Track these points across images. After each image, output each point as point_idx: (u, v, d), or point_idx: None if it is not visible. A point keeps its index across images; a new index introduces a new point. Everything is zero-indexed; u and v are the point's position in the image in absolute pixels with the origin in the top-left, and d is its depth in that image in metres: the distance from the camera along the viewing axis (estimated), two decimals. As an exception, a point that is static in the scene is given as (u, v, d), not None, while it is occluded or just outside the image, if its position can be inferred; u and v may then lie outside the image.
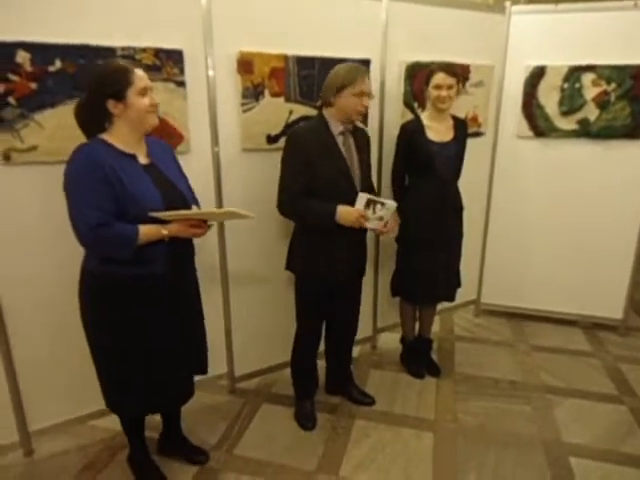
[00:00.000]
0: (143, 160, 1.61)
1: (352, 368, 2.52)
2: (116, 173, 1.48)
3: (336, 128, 1.98)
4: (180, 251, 1.67)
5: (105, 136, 1.55)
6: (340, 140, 2.00)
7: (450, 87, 2.25)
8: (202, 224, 1.65)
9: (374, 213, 1.97)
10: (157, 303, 1.63)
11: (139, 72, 1.53)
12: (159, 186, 1.58)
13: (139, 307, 1.61)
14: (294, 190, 1.94)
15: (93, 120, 1.56)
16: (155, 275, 1.60)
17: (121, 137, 1.56)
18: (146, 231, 1.52)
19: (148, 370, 1.68)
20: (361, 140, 2.10)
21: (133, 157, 1.57)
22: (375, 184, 2.60)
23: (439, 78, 2.24)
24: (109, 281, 1.57)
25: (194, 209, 1.71)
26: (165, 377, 1.73)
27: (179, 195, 1.64)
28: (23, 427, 2.03)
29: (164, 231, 1.55)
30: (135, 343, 1.64)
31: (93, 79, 1.53)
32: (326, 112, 1.99)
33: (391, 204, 1.99)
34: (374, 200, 1.96)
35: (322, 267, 2.05)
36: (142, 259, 1.55)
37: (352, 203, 1.95)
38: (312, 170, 1.92)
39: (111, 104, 1.50)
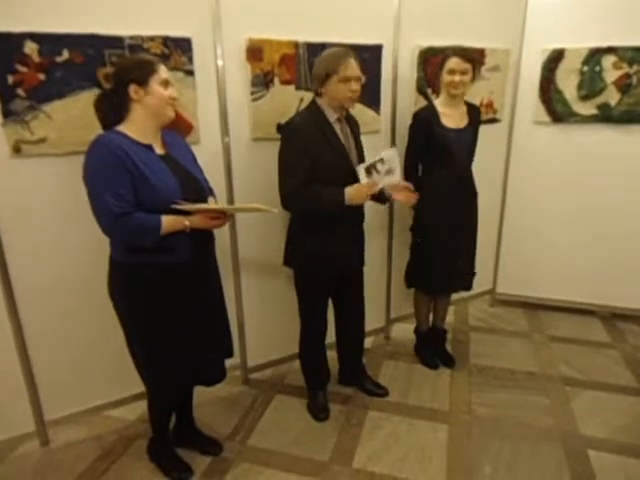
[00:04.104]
0: (159, 150, 1.63)
1: (364, 359, 2.50)
2: (134, 162, 1.50)
3: (331, 116, 1.95)
4: (201, 239, 1.69)
5: (121, 128, 1.57)
6: (337, 127, 1.97)
7: (464, 72, 2.18)
8: (222, 215, 1.68)
9: (379, 173, 1.96)
10: (182, 289, 1.66)
11: (163, 66, 1.60)
12: (177, 175, 1.61)
13: (166, 294, 1.64)
14: (297, 181, 1.89)
15: (113, 109, 1.58)
16: (178, 262, 1.63)
17: (137, 127, 1.58)
18: (169, 222, 1.55)
19: (182, 353, 1.71)
20: (354, 127, 2.08)
21: (149, 147, 1.59)
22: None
23: (453, 63, 2.18)
24: (135, 270, 1.60)
25: (211, 201, 1.75)
26: (199, 359, 1.76)
27: (196, 184, 1.68)
28: (39, 417, 2.05)
29: (186, 222, 1.57)
30: (166, 329, 1.67)
31: (119, 67, 1.60)
32: (319, 100, 1.95)
33: (388, 151, 1.99)
34: (372, 163, 1.94)
35: (320, 262, 2.04)
36: (165, 247, 1.58)
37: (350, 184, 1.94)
38: (313, 159, 1.88)
39: (132, 89, 1.54)
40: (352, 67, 1.87)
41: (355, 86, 1.88)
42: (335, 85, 1.87)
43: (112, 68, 1.68)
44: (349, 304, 2.30)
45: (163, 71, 1.58)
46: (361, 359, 2.48)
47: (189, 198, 1.59)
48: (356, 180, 1.94)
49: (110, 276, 1.68)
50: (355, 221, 2.09)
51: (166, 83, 1.58)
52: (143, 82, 1.54)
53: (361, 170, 1.92)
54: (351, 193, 1.91)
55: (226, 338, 1.91)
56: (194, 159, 1.78)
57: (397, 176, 2.02)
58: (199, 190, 1.68)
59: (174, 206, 1.54)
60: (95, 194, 1.49)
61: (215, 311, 1.83)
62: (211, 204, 1.73)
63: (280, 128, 2.17)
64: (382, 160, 1.95)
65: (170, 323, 1.67)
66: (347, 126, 2.02)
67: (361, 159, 2.06)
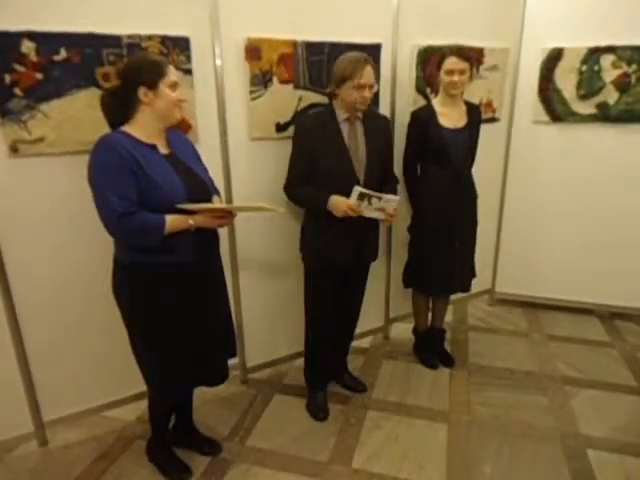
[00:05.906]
0: (163, 150, 1.62)
1: (348, 357, 2.51)
2: (138, 162, 1.50)
3: (341, 115, 1.99)
4: (206, 239, 1.69)
5: (126, 128, 1.57)
6: (345, 127, 1.99)
7: (462, 72, 2.18)
8: (227, 215, 1.68)
9: (370, 205, 1.95)
10: (186, 290, 1.66)
11: (172, 68, 1.59)
12: (181, 175, 1.60)
13: (169, 294, 1.63)
14: (293, 176, 2.04)
15: (120, 108, 1.58)
16: (183, 263, 1.62)
17: (143, 128, 1.57)
18: (173, 221, 1.54)
19: (184, 354, 1.71)
20: (375, 126, 2.06)
21: (154, 147, 1.59)
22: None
23: (451, 62, 2.17)
24: (139, 270, 1.60)
25: (216, 200, 1.74)
26: (202, 360, 1.76)
27: (201, 184, 1.67)
28: (37, 418, 2.04)
29: (190, 221, 1.57)
30: (169, 329, 1.66)
31: (128, 67, 1.59)
32: (334, 101, 2.03)
33: (392, 197, 1.98)
34: (368, 194, 1.93)
35: (325, 251, 2.06)
36: (169, 248, 1.57)
37: (350, 191, 1.93)
38: (313, 157, 1.96)
39: (142, 91, 1.53)
40: (367, 75, 1.90)
41: (367, 93, 1.92)
42: (349, 90, 1.91)
43: (120, 67, 1.67)
44: (347, 300, 2.28)
45: (172, 73, 1.57)
46: (346, 355, 2.49)
47: (194, 197, 1.58)
48: (354, 181, 1.95)
49: (114, 275, 1.67)
50: (357, 217, 2.00)
51: (174, 85, 1.57)
52: (153, 85, 1.53)
53: (356, 191, 1.92)
54: (333, 202, 1.95)
55: (230, 338, 1.91)
56: (199, 158, 1.78)
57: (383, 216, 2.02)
58: (204, 189, 1.67)
59: (178, 205, 1.54)
60: (99, 194, 1.49)
61: (219, 312, 1.82)
62: (216, 203, 1.73)
63: (282, 126, 2.20)
64: (380, 198, 1.95)
65: (173, 323, 1.66)
66: (362, 125, 2.03)
67: (374, 161, 2.03)
